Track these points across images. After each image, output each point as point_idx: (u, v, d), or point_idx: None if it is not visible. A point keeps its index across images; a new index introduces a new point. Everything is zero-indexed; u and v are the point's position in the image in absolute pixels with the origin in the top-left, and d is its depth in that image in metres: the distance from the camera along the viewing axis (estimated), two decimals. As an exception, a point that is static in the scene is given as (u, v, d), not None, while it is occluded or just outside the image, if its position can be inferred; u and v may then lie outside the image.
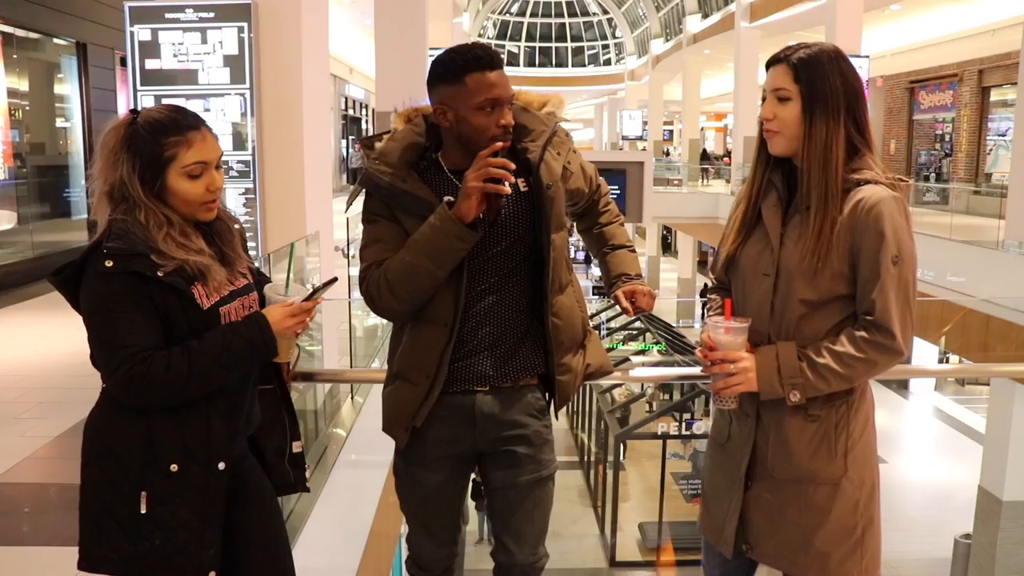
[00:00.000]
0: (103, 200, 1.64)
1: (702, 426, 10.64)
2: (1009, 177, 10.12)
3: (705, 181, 24.36)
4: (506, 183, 1.61)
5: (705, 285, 16.47)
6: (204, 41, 4.82)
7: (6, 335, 6.10)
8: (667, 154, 30.86)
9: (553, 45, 38.16)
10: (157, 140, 1.61)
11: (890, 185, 1.64)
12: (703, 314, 2.59)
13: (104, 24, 9.05)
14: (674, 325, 15.94)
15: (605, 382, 3.24)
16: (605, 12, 37.07)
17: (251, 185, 4.90)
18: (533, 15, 37.62)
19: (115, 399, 1.61)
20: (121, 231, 1.58)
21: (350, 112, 24.80)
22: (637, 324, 13.75)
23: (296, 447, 1.90)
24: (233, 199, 4.87)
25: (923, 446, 14.23)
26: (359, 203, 1.83)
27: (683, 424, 10.81)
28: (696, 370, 1.92)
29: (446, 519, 1.93)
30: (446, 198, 1.67)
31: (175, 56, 4.85)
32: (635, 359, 11.31)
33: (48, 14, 8.46)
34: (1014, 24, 13.61)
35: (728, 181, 21.77)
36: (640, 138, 31.19)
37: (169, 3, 4.81)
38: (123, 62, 6.85)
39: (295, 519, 3.03)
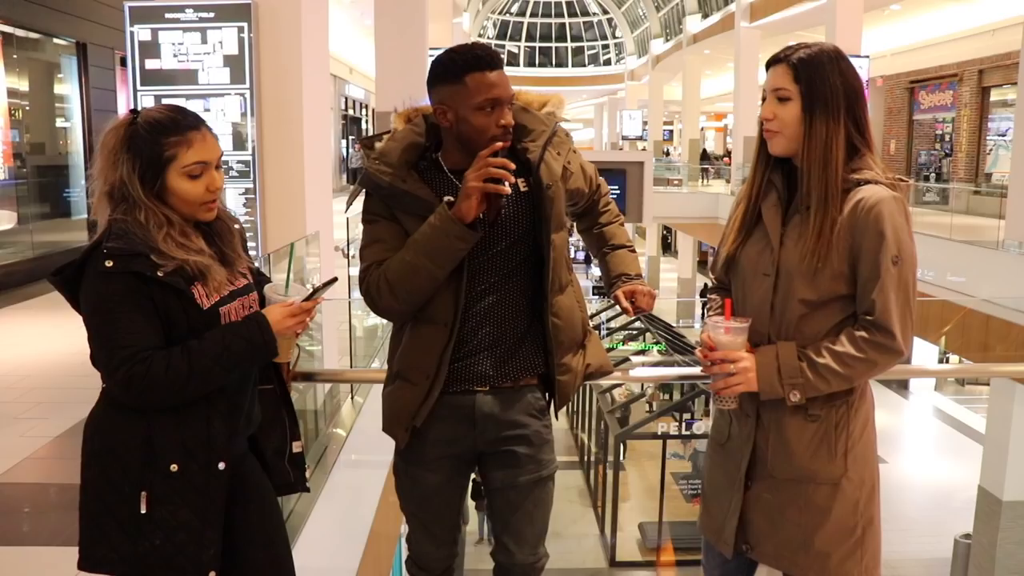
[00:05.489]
0: (103, 200, 1.64)
1: (702, 426, 10.64)
2: (1009, 177, 10.12)
3: (705, 181, 24.35)
4: (506, 183, 1.61)
5: (705, 285, 16.47)
6: (204, 41, 4.82)
7: (6, 335, 6.10)
8: (667, 154, 30.83)
9: (553, 45, 38.14)
10: (157, 140, 1.61)
11: (890, 185, 1.64)
12: (703, 314, 2.59)
13: (104, 24, 9.05)
14: (674, 325, 15.95)
15: (605, 382, 3.24)
16: (605, 12, 37.05)
17: (251, 185, 4.90)
18: (533, 15, 37.60)
19: (115, 399, 1.61)
20: (121, 231, 1.58)
21: (350, 112, 24.79)
22: (637, 324, 13.75)
23: (296, 447, 1.90)
24: (233, 199, 4.87)
25: (923, 446, 14.22)
26: (359, 203, 1.83)
27: (683, 424, 10.81)
28: (696, 370, 1.92)
29: (446, 519, 1.93)
30: (446, 198, 1.67)
31: (175, 56, 4.85)
32: (635, 359, 11.30)
33: (48, 14, 8.46)
34: (1014, 24, 13.62)
35: (728, 181, 21.76)
36: (640, 138, 31.16)
37: (169, 3, 4.81)
38: (123, 62, 6.85)
39: (295, 519, 3.03)
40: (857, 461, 1.71)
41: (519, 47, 37.73)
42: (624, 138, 31.55)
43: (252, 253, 2.74)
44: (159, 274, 1.57)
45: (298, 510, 3.09)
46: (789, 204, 1.72)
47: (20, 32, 8.32)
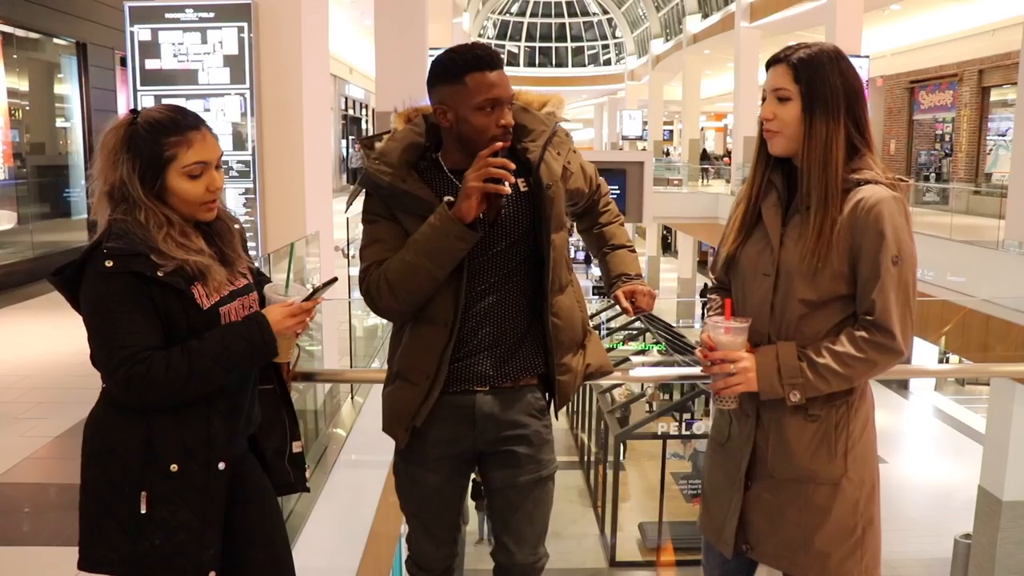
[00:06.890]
0: (103, 200, 1.64)
1: (702, 426, 10.65)
2: (1009, 177, 10.12)
3: (705, 181, 24.35)
4: (506, 183, 1.61)
5: (705, 285, 16.46)
6: (204, 41, 4.82)
7: (6, 335, 6.10)
8: (667, 154, 30.83)
9: (553, 45, 38.14)
10: (157, 140, 1.61)
11: (890, 185, 1.64)
12: (703, 314, 2.59)
13: (104, 24, 9.05)
14: (674, 325, 15.95)
15: (605, 382, 3.24)
16: (605, 12, 37.05)
17: (251, 185, 4.90)
18: (533, 15, 37.60)
19: (115, 399, 1.61)
20: (121, 231, 1.58)
21: (350, 112, 24.79)
22: (637, 324, 13.76)
23: (296, 447, 1.90)
24: (233, 199, 4.87)
25: (923, 446, 14.22)
26: (359, 203, 1.83)
27: (683, 424, 10.82)
28: (696, 370, 1.92)
29: (446, 519, 1.93)
30: (446, 198, 1.67)
31: (175, 56, 4.85)
32: (635, 359, 11.31)
33: (48, 14, 8.46)
34: (1014, 24, 13.62)
35: (728, 181, 21.76)
36: (640, 138, 31.16)
37: (169, 3, 4.81)
38: (123, 62, 6.85)
39: (295, 519, 3.03)
40: (857, 461, 1.71)
41: (519, 47, 37.72)
42: (624, 138, 31.54)
43: (252, 253, 2.74)
44: (159, 274, 1.57)
45: (298, 510, 3.09)
46: (789, 204, 1.72)
47: (20, 32, 8.32)
